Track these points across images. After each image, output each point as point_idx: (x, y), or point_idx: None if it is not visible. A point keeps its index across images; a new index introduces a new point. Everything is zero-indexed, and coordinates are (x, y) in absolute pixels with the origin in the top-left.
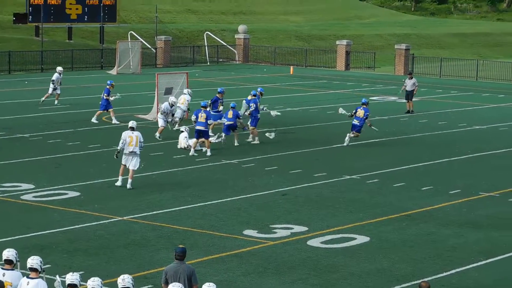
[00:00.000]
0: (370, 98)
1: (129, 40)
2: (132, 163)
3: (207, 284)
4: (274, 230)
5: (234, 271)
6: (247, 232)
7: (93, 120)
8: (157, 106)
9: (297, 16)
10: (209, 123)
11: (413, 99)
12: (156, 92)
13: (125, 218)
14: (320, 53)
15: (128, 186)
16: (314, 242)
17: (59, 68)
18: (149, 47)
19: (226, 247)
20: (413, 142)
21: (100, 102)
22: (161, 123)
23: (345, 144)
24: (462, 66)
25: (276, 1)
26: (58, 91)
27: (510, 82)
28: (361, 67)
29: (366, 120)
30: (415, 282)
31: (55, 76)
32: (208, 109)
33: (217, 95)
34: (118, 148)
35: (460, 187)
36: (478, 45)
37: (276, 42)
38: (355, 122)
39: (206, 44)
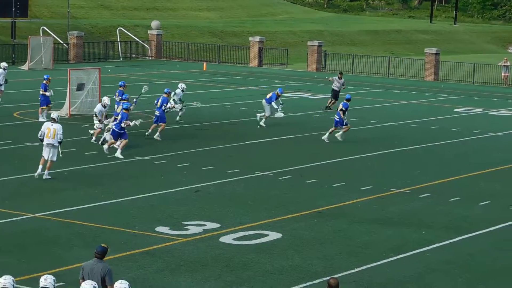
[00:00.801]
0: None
1: (41, 35)
2: (50, 155)
3: (119, 281)
4: (187, 227)
5: (147, 269)
6: (160, 229)
7: (40, 119)
8: (69, 101)
9: (210, 12)
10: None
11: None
12: (68, 88)
13: (37, 215)
14: (233, 49)
15: (45, 176)
16: (227, 239)
17: (3, 64)
18: (61, 42)
19: (139, 244)
20: (316, 138)
21: (39, 98)
22: (97, 125)
23: (340, 139)
24: (374, 63)
25: None
26: (2, 88)
27: (421, 79)
28: (274, 64)
29: (341, 112)
30: (327, 278)
31: None
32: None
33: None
34: (40, 137)
35: (372, 183)
36: (390, 42)
37: (190, 38)
38: (336, 118)
39: (119, 40)
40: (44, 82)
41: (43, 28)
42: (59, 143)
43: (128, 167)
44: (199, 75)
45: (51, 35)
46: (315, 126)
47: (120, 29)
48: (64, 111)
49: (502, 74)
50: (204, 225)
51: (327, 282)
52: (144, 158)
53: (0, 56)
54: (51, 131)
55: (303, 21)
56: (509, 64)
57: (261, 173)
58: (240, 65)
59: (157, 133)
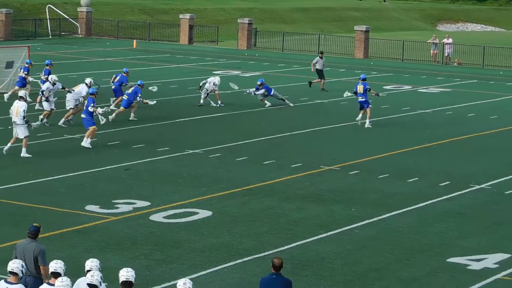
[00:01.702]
0: (213, 72)
1: None
2: (18, 133)
3: (54, 261)
4: (117, 206)
5: (77, 247)
6: (89, 207)
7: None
8: None
9: None
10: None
11: (324, 78)
12: None
13: None
14: (164, 27)
15: (22, 154)
16: (157, 217)
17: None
18: None
19: (68, 223)
20: (256, 116)
21: (18, 80)
22: (45, 106)
23: (358, 122)
24: (304, 40)
25: None
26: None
27: (351, 56)
28: (204, 41)
29: (369, 92)
30: (257, 255)
31: None
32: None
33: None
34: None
35: (302, 161)
36: (320, 20)
37: (119, 16)
38: (360, 99)
39: (48, 17)
40: (27, 65)
41: None
42: (24, 121)
43: (57, 146)
44: (129, 53)
45: None
46: (245, 103)
47: (49, 6)
48: None
49: (431, 51)
50: (134, 203)
51: (271, 261)
52: (74, 136)
53: None
54: (15, 109)
55: None
56: (438, 41)
57: (191, 151)
58: (171, 43)
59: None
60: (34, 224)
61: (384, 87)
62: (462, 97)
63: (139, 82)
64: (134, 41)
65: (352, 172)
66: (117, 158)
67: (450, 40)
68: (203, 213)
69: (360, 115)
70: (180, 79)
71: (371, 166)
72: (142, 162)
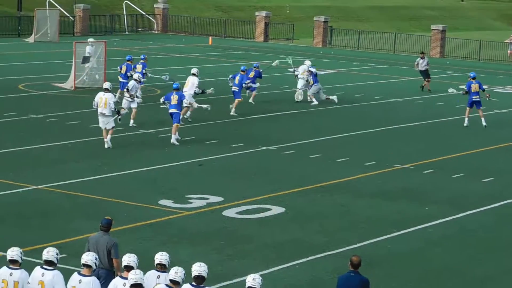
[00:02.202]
0: (288, 70)
1: (47, 8)
2: (106, 124)
3: (127, 255)
4: (190, 200)
5: (149, 241)
6: (163, 202)
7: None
8: (75, 74)
9: None
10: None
11: (430, 78)
12: (73, 60)
13: (40, 187)
14: (239, 24)
15: (106, 145)
16: (230, 213)
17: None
18: (67, 15)
19: (141, 217)
20: (330, 114)
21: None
22: (126, 104)
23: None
24: (380, 39)
25: None
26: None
27: (427, 55)
28: (279, 39)
29: (483, 93)
30: (330, 252)
31: None
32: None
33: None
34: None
35: (375, 159)
36: (396, 18)
37: (195, 12)
38: (475, 98)
39: (125, 13)
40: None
41: (49, 1)
42: (113, 111)
43: (132, 140)
44: (205, 50)
45: (57, 7)
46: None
47: (126, 2)
48: (69, 84)
49: (508, 51)
50: (207, 198)
51: (349, 259)
52: (148, 131)
53: (6, 28)
54: (103, 100)
55: None
56: None
57: (265, 148)
58: (246, 40)
59: (233, 108)
60: (106, 217)
61: (460, 86)
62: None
63: (242, 68)
64: (210, 37)
65: (426, 171)
66: (191, 153)
67: None
68: (276, 209)
69: (467, 118)
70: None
71: (446, 165)
72: (216, 158)
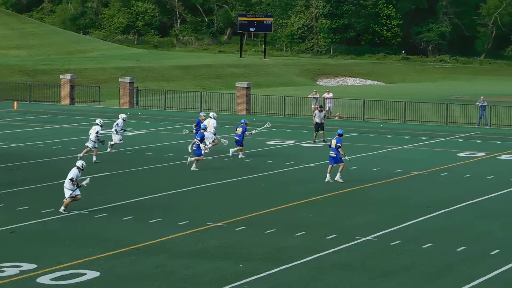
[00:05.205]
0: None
1: None
2: None
3: None
4: (2, 269)
5: None
6: None
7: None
8: None
9: (20, 50)
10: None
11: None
12: None
13: None
14: (44, 87)
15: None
16: (44, 279)
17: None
18: None
19: None
20: (139, 174)
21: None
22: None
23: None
24: (186, 98)
25: None
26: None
27: (233, 113)
28: (86, 101)
29: (339, 150)
30: None
31: None
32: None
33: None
34: None
35: (188, 218)
36: (201, 77)
37: (0, 78)
38: (332, 154)
39: None
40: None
41: None
42: None
43: None
44: (10, 115)
45: None
46: (129, 162)
47: None
48: None
49: (312, 106)
50: (21, 266)
51: None
52: None
53: None
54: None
55: (114, 58)
56: (318, 96)
57: (77, 212)
58: (52, 103)
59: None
60: None
61: (267, 142)
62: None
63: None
64: (15, 102)
65: (239, 228)
66: (1, 221)
67: (331, 95)
68: (91, 274)
69: (328, 174)
70: (63, 140)
71: (258, 221)
72: (27, 224)
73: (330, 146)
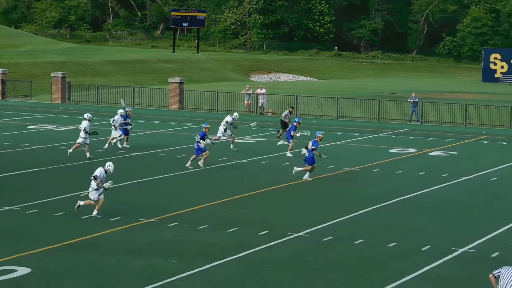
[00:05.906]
0: (28, 127)
1: None
2: None
3: None
4: None
5: None
6: None
7: None
8: None
9: None
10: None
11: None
12: None
13: None
14: None
15: None
16: None
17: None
18: None
19: None
20: (72, 169)
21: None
22: (116, 134)
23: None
24: (119, 93)
25: None
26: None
27: (166, 108)
28: (17, 96)
29: (314, 152)
30: None
31: None
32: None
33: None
34: None
35: (120, 214)
36: (134, 72)
37: None
38: (306, 154)
39: None
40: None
41: None
42: None
43: None
44: None
45: None
46: (55, 159)
47: None
48: None
49: (245, 102)
50: None
51: None
52: None
53: None
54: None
55: (46, 52)
56: (251, 92)
57: (8, 208)
58: None
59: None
60: None
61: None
62: (276, 146)
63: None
64: None
65: (171, 224)
66: None
67: (264, 91)
68: (22, 270)
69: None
70: None
71: (191, 217)
72: None
73: (306, 147)
